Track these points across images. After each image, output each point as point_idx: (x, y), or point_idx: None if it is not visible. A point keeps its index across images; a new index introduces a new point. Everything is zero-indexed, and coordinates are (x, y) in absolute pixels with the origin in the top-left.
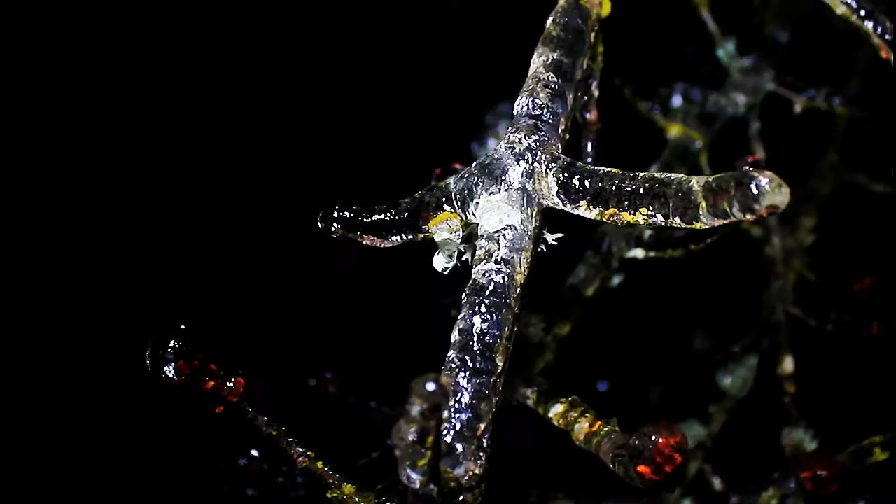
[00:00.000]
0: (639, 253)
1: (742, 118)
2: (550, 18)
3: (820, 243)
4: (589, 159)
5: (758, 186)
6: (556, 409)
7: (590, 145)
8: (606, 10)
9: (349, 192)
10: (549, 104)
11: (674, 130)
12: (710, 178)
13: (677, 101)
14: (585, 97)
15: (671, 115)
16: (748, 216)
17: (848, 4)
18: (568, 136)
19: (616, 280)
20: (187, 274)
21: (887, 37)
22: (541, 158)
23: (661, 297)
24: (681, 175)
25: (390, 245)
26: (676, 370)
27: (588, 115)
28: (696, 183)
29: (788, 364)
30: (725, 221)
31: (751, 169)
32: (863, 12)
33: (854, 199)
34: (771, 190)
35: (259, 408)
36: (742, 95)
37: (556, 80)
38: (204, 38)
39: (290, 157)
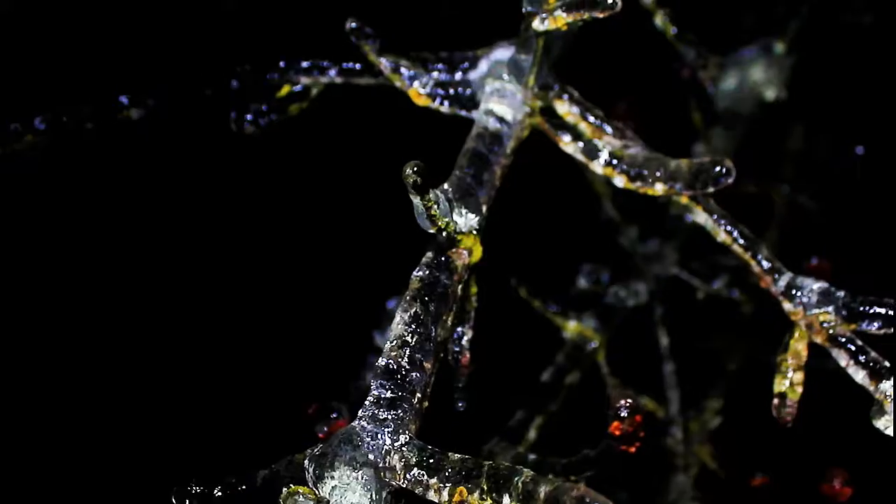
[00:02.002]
0: None
1: (645, 306)
2: (415, 273)
3: (727, 428)
4: (460, 404)
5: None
6: None
7: (461, 385)
8: (477, 255)
9: None
10: (409, 369)
11: (570, 329)
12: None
13: (584, 282)
14: (457, 347)
15: (571, 306)
16: None
17: (729, 232)
18: (427, 404)
19: None
20: None
21: (765, 264)
22: (395, 439)
23: None
24: (523, 468)
25: None
26: None
27: (461, 360)
28: (535, 483)
29: None
30: None
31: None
32: (742, 241)
33: (763, 375)
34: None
35: None
36: (644, 283)
37: (418, 340)
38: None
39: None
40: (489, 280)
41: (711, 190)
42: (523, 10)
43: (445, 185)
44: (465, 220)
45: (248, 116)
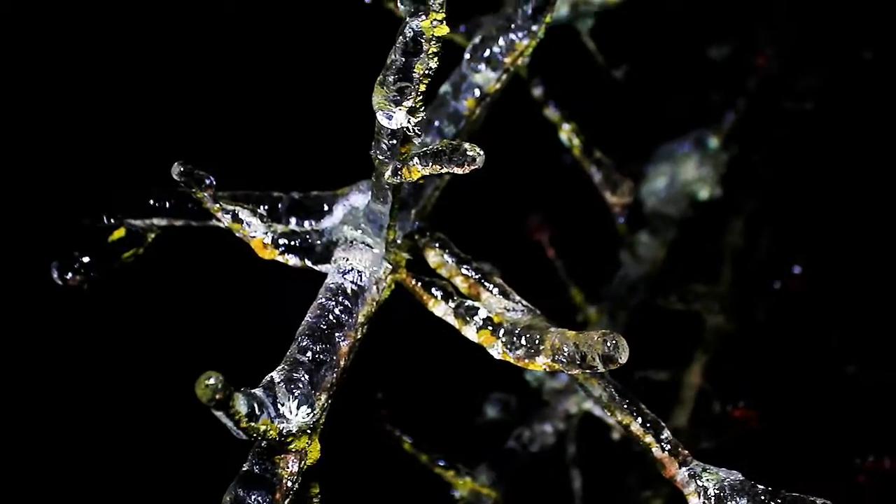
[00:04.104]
0: None
1: (555, 445)
2: (225, 496)
3: None
4: None
5: None
6: None
7: None
8: (314, 456)
9: None
10: None
11: (462, 487)
12: None
13: (492, 412)
14: None
15: (467, 451)
16: None
17: (627, 411)
18: None
19: None
20: None
21: (667, 450)
22: None
23: None
24: None
25: None
26: None
27: None
28: None
29: None
30: None
31: None
32: (641, 421)
33: None
34: None
35: None
36: (550, 424)
37: None
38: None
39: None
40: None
41: (600, 370)
42: (372, 156)
43: (274, 375)
44: (297, 417)
45: (75, 265)
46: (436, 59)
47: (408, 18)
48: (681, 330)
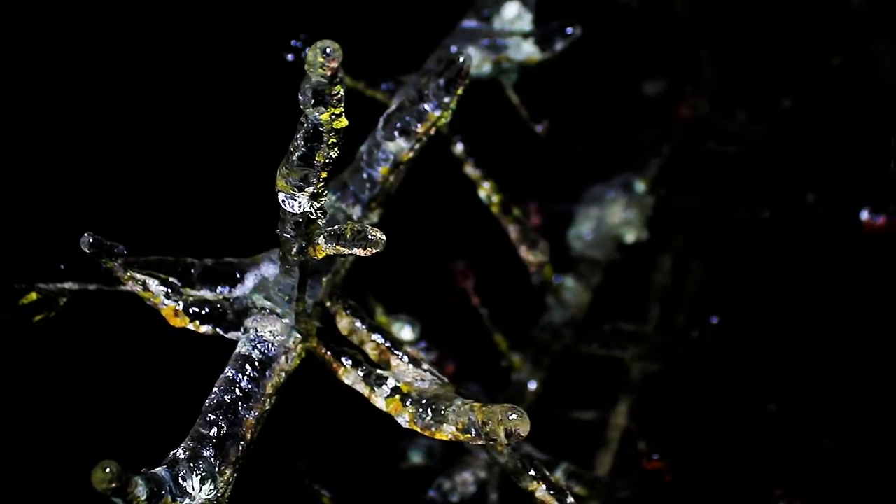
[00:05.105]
0: None
1: (476, 494)
2: None
3: None
4: None
5: None
6: None
7: None
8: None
9: None
10: None
11: None
12: None
13: (416, 457)
14: None
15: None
16: None
17: (536, 478)
18: None
19: None
20: None
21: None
22: None
23: None
24: None
25: None
26: None
27: None
28: None
29: None
30: None
31: None
32: (546, 485)
33: None
34: None
35: None
36: (470, 472)
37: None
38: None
39: None
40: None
41: (505, 442)
42: (278, 234)
43: (178, 451)
44: (201, 494)
45: None
46: (336, 149)
47: (307, 110)
48: (607, 372)
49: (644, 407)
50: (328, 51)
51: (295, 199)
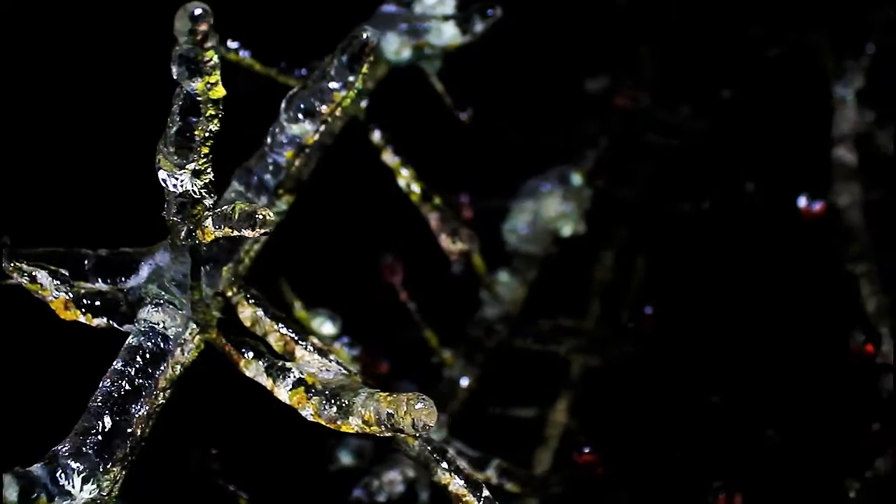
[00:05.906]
0: None
1: (405, 493)
2: None
3: None
4: None
5: None
6: None
7: None
8: None
9: None
10: None
11: None
12: None
13: (346, 458)
14: None
15: None
16: None
17: (448, 470)
18: None
19: None
20: None
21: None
22: None
23: None
24: None
25: None
26: None
27: None
28: None
29: None
30: None
31: None
32: (464, 484)
33: None
34: None
35: None
36: (398, 471)
37: None
38: None
39: None
40: None
41: (410, 434)
42: (164, 217)
43: (59, 448)
44: (83, 493)
45: None
46: (215, 121)
47: (182, 82)
48: (547, 369)
49: (584, 403)
50: (196, 13)
51: (177, 178)
